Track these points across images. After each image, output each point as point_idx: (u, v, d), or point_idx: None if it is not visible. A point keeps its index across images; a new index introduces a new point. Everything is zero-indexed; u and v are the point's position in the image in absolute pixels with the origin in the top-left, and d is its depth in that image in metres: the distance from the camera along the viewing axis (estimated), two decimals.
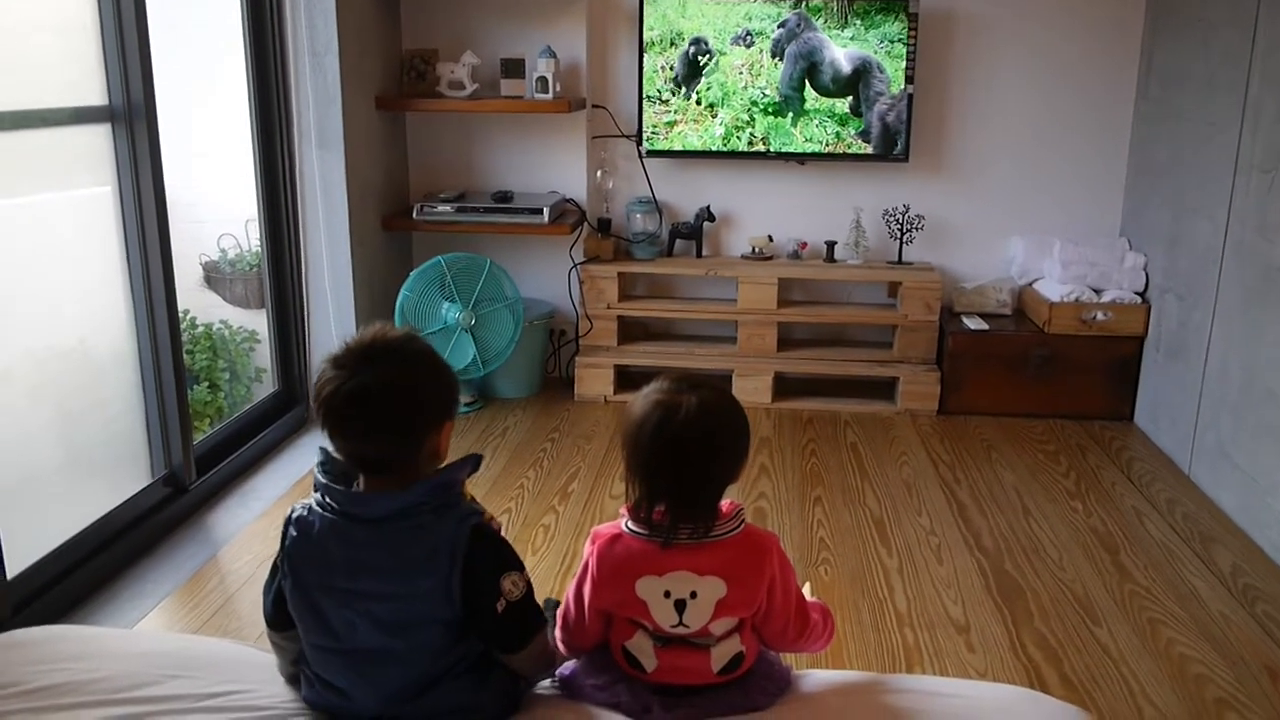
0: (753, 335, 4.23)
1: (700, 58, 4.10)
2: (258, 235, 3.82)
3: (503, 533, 1.58)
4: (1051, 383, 4.08)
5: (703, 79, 4.14)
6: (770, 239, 4.35)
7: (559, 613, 1.64)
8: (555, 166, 4.33)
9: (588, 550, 1.59)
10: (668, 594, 1.52)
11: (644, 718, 1.55)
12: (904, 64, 4.05)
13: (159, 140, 2.89)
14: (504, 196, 4.11)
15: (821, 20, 4.04)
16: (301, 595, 1.52)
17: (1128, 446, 3.83)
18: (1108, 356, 4.04)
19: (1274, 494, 2.98)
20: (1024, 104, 4.23)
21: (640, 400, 1.54)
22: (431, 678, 1.52)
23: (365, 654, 1.50)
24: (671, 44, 4.11)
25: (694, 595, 1.51)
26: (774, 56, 4.09)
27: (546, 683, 1.66)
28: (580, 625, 1.60)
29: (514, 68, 4.04)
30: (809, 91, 4.13)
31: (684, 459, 1.50)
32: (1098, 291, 4.04)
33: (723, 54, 4.11)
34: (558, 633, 1.64)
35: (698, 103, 4.15)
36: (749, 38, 4.09)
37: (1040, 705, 1.66)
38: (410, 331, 1.59)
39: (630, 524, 1.56)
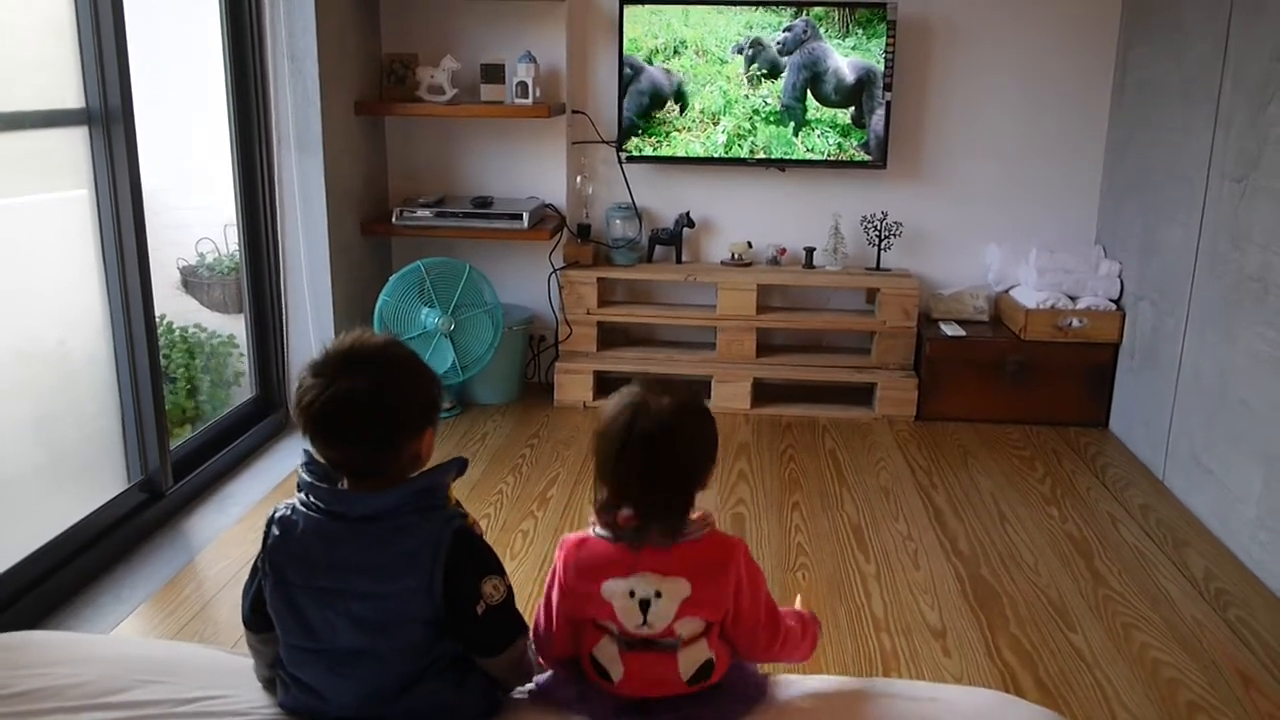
0: (732, 341, 4.24)
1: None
2: (236, 239, 3.80)
3: (484, 537, 1.59)
4: (1027, 389, 4.11)
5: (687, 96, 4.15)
6: (749, 245, 4.37)
7: (532, 622, 1.65)
8: (535, 172, 4.33)
9: (557, 557, 1.60)
10: (633, 594, 1.53)
11: None
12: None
13: (136, 144, 2.88)
14: (484, 201, 4.11)
15: (824, 29, 4.04)
16: (282, 595, 1.52)
17: (1102, 452, 3.87)
18: (1083, 363, 4.07)
19: (1246, 500, 3.01)
20: (1001, 112, 4.26)
21: (611, 402, 1.56)
22: (410, 678, 1.52)
23: (344, 654, 1.50)
24: (676, 52, 4.10)
25: (659, 595, 1.53)
26: (763, 70, 4.09)
27: (520, 693, 1.67)
28: (549, 632, 1.61)
29: (494, 73, 4.04)
30: (811, 101, 4.13)
31: (652, 457, 1.51)
32: (1073, 298, 4.07)
33: (725, 62, 4.11)
34: (532, 642, 1.64)
35: (678, 106, 4.16)
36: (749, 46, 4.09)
37: (1015, 709, 1.68)
38: (391, 337, 1.59)
39: (597, 528, 1.57)
